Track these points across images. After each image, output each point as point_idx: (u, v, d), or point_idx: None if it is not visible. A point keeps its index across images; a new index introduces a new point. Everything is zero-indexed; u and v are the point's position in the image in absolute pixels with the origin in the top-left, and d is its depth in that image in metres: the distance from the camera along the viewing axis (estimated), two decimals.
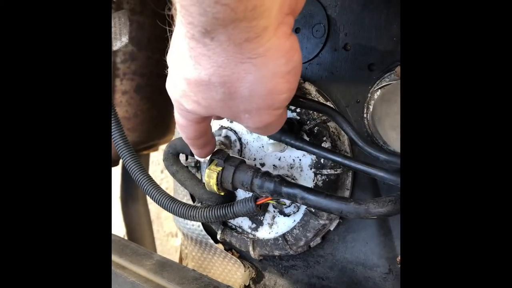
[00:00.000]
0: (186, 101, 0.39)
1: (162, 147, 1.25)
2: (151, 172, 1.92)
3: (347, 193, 0.61)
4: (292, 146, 0.54)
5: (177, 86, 0.39)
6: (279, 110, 0.40)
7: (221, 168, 0.55)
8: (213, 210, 0.60)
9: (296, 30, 0.62)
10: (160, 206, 0.64)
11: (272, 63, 0.34)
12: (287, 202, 0.62)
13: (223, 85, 0.35)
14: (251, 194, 0.60)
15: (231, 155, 0.57)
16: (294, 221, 0.64)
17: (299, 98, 0.53)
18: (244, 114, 0.38)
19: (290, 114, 0.61)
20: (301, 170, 0.61)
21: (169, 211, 0.63)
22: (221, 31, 0.30)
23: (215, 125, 0.70)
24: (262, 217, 0.68)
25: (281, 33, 0.34)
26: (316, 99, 0.60)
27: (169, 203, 0.63)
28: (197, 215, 0.61)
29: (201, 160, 0.63)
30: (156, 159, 1.94)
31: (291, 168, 0.62)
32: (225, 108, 0.38)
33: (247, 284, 0.76)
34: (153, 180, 0.65)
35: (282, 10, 0.34)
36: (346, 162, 0.49)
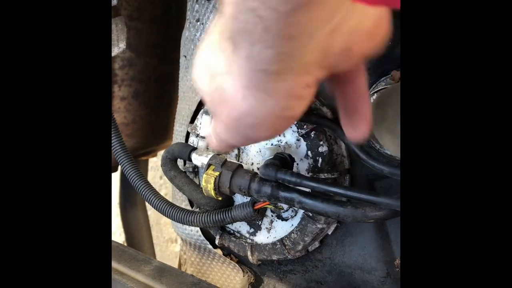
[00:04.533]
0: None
1: (161, 153, 1.25)
2: (150, 178, 1.92)
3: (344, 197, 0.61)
4: (289, 183, 0.50)
5: None
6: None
7: (218, 173, 0.55)
8: (211, 215, 0.60)
9: None
10: (158, 211, 0.64)
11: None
12: (285, 206, 0.63)
13: None
14: (249, 199, 0.60)
15: (228, 160, 0.57)
16: (292, 225, 0.64)
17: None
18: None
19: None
20: None
21: (167, 217, 0.63)
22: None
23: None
24: (260, 222, 0.68)
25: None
26: (313, 103, 0.60)
27: (167, 209, 0.63)
28: (195, 220, 0.61)
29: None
30: (156, 165, 1.94)
31: None
32: None
33: None
34: (151, 185, 0.65)
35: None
36: (349, 193, 0.47)
